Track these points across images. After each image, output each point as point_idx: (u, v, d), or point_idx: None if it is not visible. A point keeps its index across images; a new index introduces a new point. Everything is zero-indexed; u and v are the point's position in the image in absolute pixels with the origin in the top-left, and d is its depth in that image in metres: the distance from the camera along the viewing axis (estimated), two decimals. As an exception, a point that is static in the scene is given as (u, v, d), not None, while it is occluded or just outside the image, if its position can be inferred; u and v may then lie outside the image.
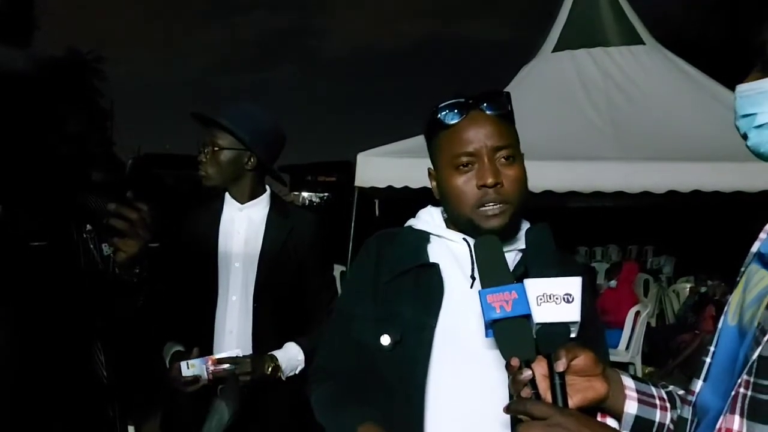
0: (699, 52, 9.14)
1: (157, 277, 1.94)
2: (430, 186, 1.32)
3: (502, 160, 1.19)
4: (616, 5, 6.71)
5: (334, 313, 1.36)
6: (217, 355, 1.91)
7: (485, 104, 1.21)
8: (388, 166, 5.47)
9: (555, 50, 6.79)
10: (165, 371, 1.97)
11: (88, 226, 1.64)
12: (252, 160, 2.04)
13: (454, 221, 1.26)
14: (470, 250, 1.21)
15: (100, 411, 1.61)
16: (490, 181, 1.16)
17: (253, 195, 2.08)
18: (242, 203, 2.07)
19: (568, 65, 6.57)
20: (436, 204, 1.34)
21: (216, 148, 2.01)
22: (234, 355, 1.89)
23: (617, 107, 6.08)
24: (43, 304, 1.49)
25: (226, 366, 1.88)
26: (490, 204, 1.17)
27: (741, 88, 0.88)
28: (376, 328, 1.20)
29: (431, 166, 1.30)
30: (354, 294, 1.30)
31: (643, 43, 6.60)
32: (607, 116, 5.99)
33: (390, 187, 5.49)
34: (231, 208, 2.08)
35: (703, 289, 6.85)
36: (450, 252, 1.25)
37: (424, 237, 1.28)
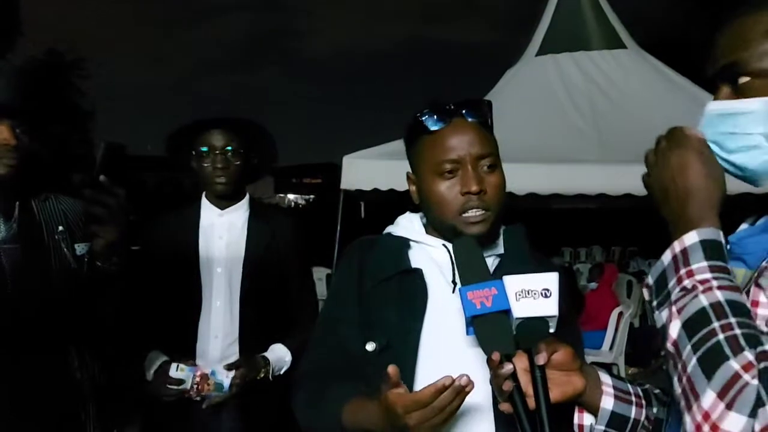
0: (680, 55, 9.26)
1: (139, 278, 1.94)
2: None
3: (485, 167, 1.21)
4: (599, 10, 6.78)
5: (319, 319, 1.36)
6: (205, 369, 1.90)
7: (468, 111, 1.23)
8: (374, 168, 5.46)
9: (539, 54, 6.84)
10: (145, 379, 1.96)
11: (60, 227, 1.63)
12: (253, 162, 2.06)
13: (435, 227, 1.27)
14: (450, 256, 1.23)
15: (71, 414, 1.59)
16: (474, 188, 1.18)
17: (235, 199, 2.07)
18: (222, 208, 2.05)
19: (551, 69, 6.61)
20: (415, 209, 1.35)
21: (234, 151, 1.98)
22: (221, 381, 1.89)
23: (600, 110, 6.13)
24: (13, 307, 1.48)
25: (210, 384, 1.88)
26: (473, 210, 1.19)
27: (718, 105, 0.88)
28: (362, 333, 1.21)
29: (410, 171, 1.31)
30: (339, 301, 1.30)
31: (625, 47, 6.68)
32: (590, 119, 6.05)
33: (375, 190, 5.49)
34: (210, 213, 2.05)
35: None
36: (430, 258, 1.26)
37: (404, 243, 1.29)
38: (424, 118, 1.22)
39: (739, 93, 0.86)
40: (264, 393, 1.96)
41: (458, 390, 0.96)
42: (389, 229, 1.35)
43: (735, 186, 0.94)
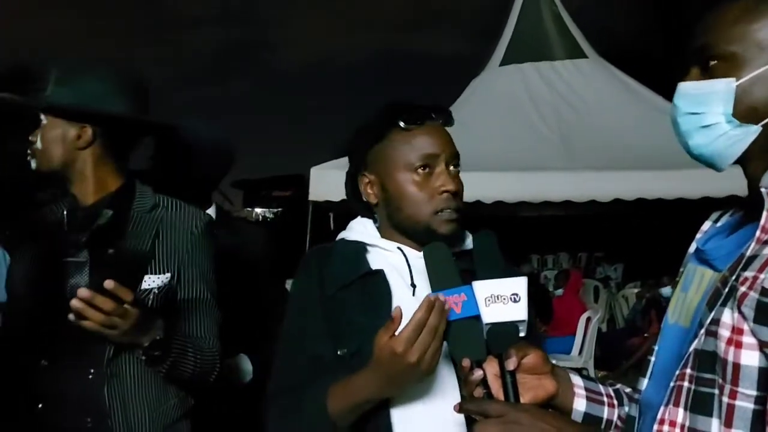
0: (637, 65, 9.51)
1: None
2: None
3: (453, 169, 1.22)
4: (560, 21, 6.94)
5: (283, 336, 1.30)
6: None
7: (441, 116, 1.24)
8: (342, 179, 5.41)
9: (502, 64, 6.97)
10: None
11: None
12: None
13: (403, 226, 1.24)
14: (406, 260, 1.22)
15: None
16: (452, 188, 1.18)
17: None
18: None
19: (515, 78, 6.73)
20: (363, 215, 1.34)
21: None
22: None
23: (563, 119, 6.26)
24: None
25: None
26: (448, 210, 1.19)
27: (686, 86, 0.89)
28: (330, 342, 1.18)
29: (365, 171, 1.29)
30: (301, 312, 1.26)
31: (586, 57, 6.85)
32: (554, 127, 6.16)
33: (345, 201, 5.44)
34: None
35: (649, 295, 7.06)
36: (387, 261, 1.24)
37: (361, 247, 1.27)
38: (400, 115, 1.21)
39: (707, 75, 0.87)
40: (218, 401, 1.93)
41: (441, 308, 0.97)
42: (343, 234, 1.33)
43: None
